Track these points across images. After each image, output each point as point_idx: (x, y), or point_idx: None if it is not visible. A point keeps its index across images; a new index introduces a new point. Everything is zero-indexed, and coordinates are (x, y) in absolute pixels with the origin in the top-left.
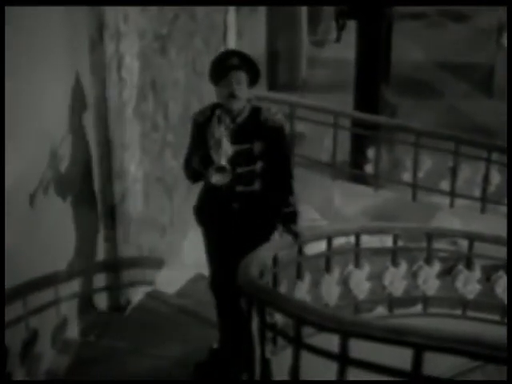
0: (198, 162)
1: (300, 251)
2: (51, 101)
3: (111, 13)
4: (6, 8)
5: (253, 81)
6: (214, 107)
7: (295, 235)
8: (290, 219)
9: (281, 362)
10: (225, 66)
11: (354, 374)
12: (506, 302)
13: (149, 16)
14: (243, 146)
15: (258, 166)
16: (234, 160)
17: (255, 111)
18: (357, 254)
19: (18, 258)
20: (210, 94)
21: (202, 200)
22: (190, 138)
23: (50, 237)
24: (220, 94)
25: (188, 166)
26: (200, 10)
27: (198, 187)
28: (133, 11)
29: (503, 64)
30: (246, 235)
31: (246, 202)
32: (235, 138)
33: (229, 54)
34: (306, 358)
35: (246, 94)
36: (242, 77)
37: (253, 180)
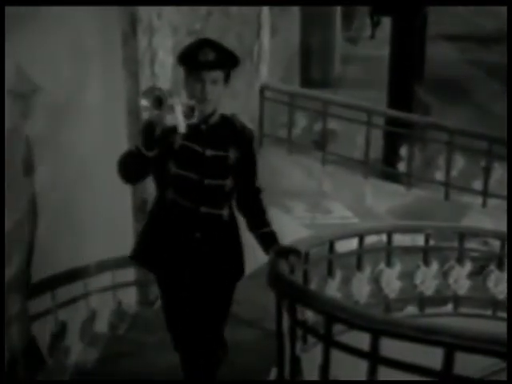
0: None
1: (331, 248)
2: (84, 96)
3: (145, 8)
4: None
5: (229, 76)
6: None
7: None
8: (271, 239)
9: (311, 359)
10: (198, 63)
11: (383, 372)
12: None
13: (182, 11)
14: (218, 153)
15: (229, 182)
16: (205, 168)
17: (227, 117)
18: (388, 252)
19: (48, 250)
20: (242, 90)
21: (151, 232)
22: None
23: (80, 230)
24: (189, 89)
25: (124, 158)
26: (233, 7)
27: None
28: (166, 7)
29: None
30: (216, 276)
31: (211, 231)
32: (207, 142)
33: (203, 46)
34: (336, 355)
35: (219, 94)
36: (218, 76)
37: (221, 200)
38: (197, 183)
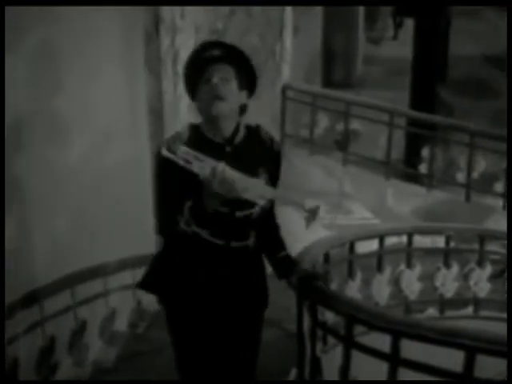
0: (188, 220)
1: (352, 249)
2: (107, 95)
3: (167, 7)
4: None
5: (249, 85)
6: (191, 132)
7: (312, 277)
8: (290, 263)
9: (331, 360)
10: (202, 60)
11: (404, 374)
12: None
13: (205, 11)
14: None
15: (257, 208)
16: (234, 200)
17: (252, 130)
18: (409, 253)
19: (68, 248)
20: (264, 89)
21: (169, 265)
22: (161, 185)
23: (100, 228)
24: (201, 106)
25: (171, 225)
26: (256, 7)
27: None
28: (189, 6)
29: None
30: (246, 308)
31: (240, 265)
32: (234, 167)
33: (207, 46)
34: (357, 357)
35: (237, 99)
36: (228, 72)
37: (249, 230)
38: (226, 217)
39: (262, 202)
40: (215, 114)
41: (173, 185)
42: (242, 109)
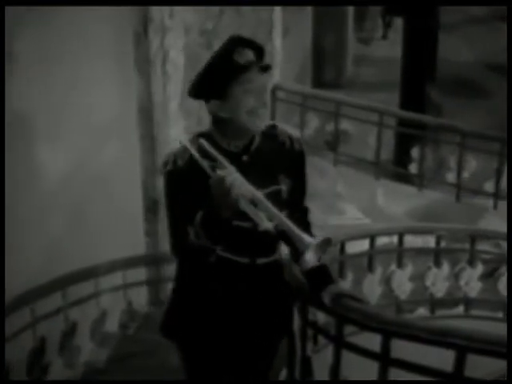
0: (197, 231)
1: (343, 249)
2: (96, 96)
3: (156, 7)
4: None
5: None
6: (199, 141)
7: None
8: (326, 275)
9: (322, 360)
10: (237, 66)
11: (394, 373)
12: None
13: (194, 11)
14: (268, 189)
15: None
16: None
17: (268, 131)
18: (399, 253)
19: (59, 250)
20: None
21: (191, 300)
22: (170, 200)
23: (91, 230)
24: (238, 109)
25: (181, 238)
26: (246, 7)
27: None
28: (178, 6)
29: None
30: (264, 344)
31: (270, 285)
32: (253, 177)
33: (238, 45)
34: (347, 356)
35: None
36: (263, 78)
37: (275, 243)
38: (249, 232)
39: (266, 227)
40: (255, 129)
41: (183, 195)
42: None
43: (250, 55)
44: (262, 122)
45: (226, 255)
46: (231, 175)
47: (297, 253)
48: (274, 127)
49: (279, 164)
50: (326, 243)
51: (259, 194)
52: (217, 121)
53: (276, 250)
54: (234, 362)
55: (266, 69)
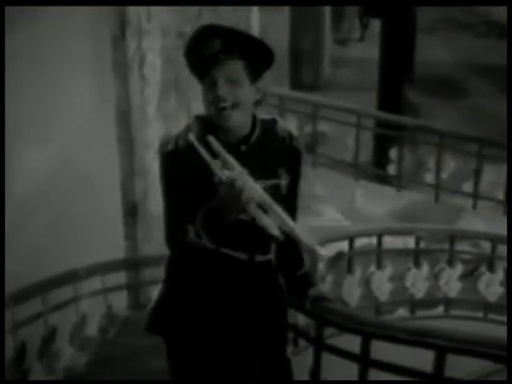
0: (199, 231)
1: None
2: (74, 99)
3: (134, 10)
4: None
5: (260, 68)
6: (200, 128)
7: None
8: (306, 283)
9: (302, 362)
10: (203, 58)
11: (375, 375)
12: None
13: (171, 13)
14: (268, 182)
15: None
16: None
17: (268, 124)
18: (379, 255)
19: (39, 255)
20: None
21: (182, 294)
22: (168, 186)
23: (70, 234)
24: (205, 101)
25: (179, 236)
26: (224, 8)
27: None
28: (155, 9)
29: None
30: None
31: (265, 285)
32: (252, 169)
33: (206, 34)
34: (327, 358)
35: (250, 97)
36: (235, 69)
37: (270, 241)
38: (247, 226)
39: (275, 234)
40: (226, 127)
41: (183, 185)
42: (259, 100)
43: (216, 45)
44: (231, 118)
45: (224, 251)
46: (242, 178)
47: (284, 257)
48: (274, 121)
49: (279, 158)
50: (340, 256)
51: (270, 199)
52: None
53: (270, 249)
54: (228, 357)
55: (241, 56)
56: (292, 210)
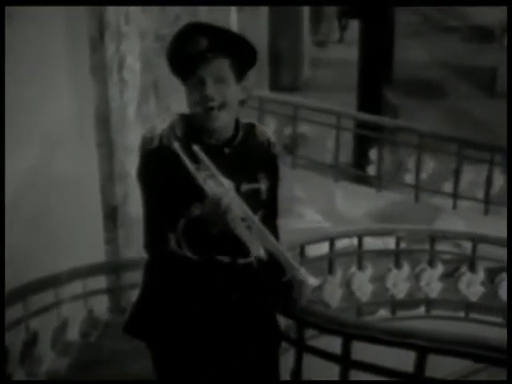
0: (179, 240)
1: (302, 253)
2: (52, 102)
3: (112, 13)
4: (6, 9)
5: (244, 66)
6: (183, 127)
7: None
8: (288, 290)
9: (283, 364)
10: (188, 57)
11: (356, 376)
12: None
13: (150, 16)
14: (250, 185)
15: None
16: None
17: (248, 129)
18: (359, 255)
19: (19, 259)
20: None
21: (161, 297)
22: (149, 186)
23: (50, 238)
24: (190, 102)
25: (160, 248)
26: (202, 11)
27: None
28: (134, 11)
29: (505, 64)
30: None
31: (246, 289)
32: (235, 171)
33: (191, 32)
34: (309, 360)
35: (236, 96)
36: (222, 67)
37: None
38: (229, 233)
39: (259, 255)
40: (212, 128)
41: (165, 188)
42: (244, 99)
43: (202, 43)
44: (217, 119)
45: (206, 258)
46: (228, 195)
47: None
48: (252, 126)
49: (259, 163)
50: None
51: (256, 219)
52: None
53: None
54: (213, 360)
55: (227, 54)
56: (272, 217)
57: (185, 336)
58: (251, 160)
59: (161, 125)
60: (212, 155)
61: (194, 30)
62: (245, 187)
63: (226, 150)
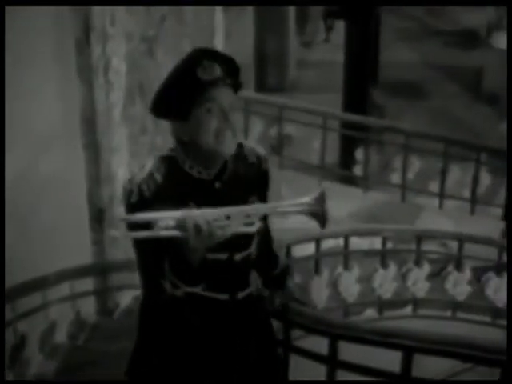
0: (172, 281)
1: (288, 253)
2: (38, 104)
3: (98, 15)
4: None
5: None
6: (165, 168)
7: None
8: (282, 281)
9: None
10: (204, 81)
11: (343, 376)
12: (496, 303)
13: (136, 18)
14: None
15: (254, 243)
16: (233, 241)
17: (237, 151)
18: (346, 256)
19: (5, 262)
20: None
21: (161, 343)
22: (135, 244)
23: (37, 241)
24: (195, 138)
25: (157, 293)
26: (188, 12)
27: None
28: (119, 13)
29: (491, 65)
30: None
31: (249, 325)
32: (223, 205)
33: (201, 60)
34: (295, 360)
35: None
36: (231, 95)
37: (249, 271)
38: (225, 264)
39: (251, 228)
40: (224, 155)
41: (148, 239)
42: None
43: (215, 70)
44: (229, 147)
45: (203, 293)
46: (201, 219)
47: (260, 257)
48: (240, 146)
49: (250, 186)
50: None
51: (226, 210)
52: (183, 144)
53: (250, 281)
54: None
55: (236, 85)
56: (268, 238)
57: (190, 375)
58: (242, 186)
59: (140, 174)
60: (202, 193)
61: (204, 55)
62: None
63: (217, 185)
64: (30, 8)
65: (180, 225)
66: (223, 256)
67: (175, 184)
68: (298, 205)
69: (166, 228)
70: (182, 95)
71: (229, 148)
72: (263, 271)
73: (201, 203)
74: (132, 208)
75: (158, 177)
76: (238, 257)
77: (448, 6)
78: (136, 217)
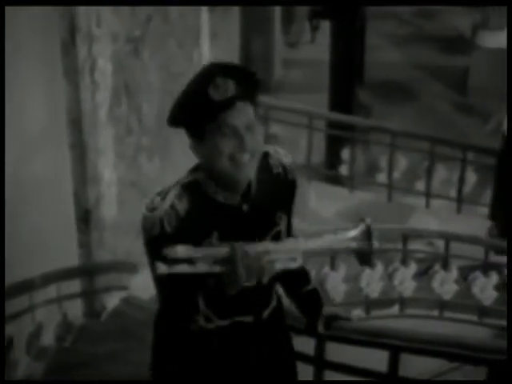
0: (207, 314)
1: None
2: (24, 105)
3: (83, 15)
4: None
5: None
6: (189, 196)
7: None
8: (318, 301)
9: None
10: (218, 101)
11: (330, 376)
12: (483, 302)
13: (121, 18)
14: (270, 234)
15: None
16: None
17: (261, 164)
18: (332, 256)
19: None
20: None
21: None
22: (160, 282)
23: (23, 242)
24: (209, 160)
25: (185, 327)
26: (174, 12)
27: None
28: (105, 13)
29: (476, 64)
30: None
31: (273, 343)
32: (254, 226)
33: (214, 77)
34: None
35: (261, 143)
36: (249, 113)
37: (273, 288)
38: (253, 288)
39: (294, 264)
40: (241, 180)
41: (175, 277)
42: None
43: (229, 89)
44: (246, 172)
45: (234, 319)
46: (251, 254)
47: (290, 277)
48: (266, 156)
49: (276, 201)
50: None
51: (272, 245)
52: (206, 166)
53: (272, 296)
54: None
55: (253, 101)
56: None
57: None
58: (269, 203)
59: (162, 204)
60: (230, 218)
61: (218, 72)
62: (266, 239)
63: (244, 208)
64: (17, 8)
65: (226, 260)
66: (253, 282)
67: (199, 212)
68: (344, 240)
69: (210, 262)
70: (193, 116)
71: (245, 173)
72: (294, 289)
73: (227, 230)
74: (154, 241)
75: (181, 208)
76: (265, 279)
77: (441, 6)
78: (180, 252)
